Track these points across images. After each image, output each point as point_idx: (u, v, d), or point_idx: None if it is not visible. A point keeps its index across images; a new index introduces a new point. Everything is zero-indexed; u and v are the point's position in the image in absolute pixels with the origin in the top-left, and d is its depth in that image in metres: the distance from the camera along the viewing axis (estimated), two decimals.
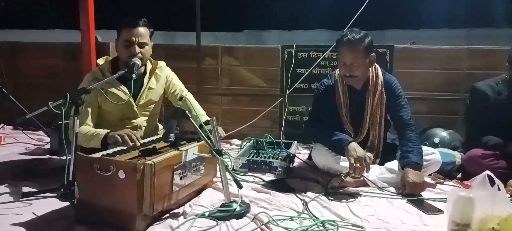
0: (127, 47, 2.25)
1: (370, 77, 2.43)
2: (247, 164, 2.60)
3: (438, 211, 1.99)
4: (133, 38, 2.24)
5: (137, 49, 2.24)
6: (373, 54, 2.37)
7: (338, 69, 2.48)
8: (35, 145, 3.27)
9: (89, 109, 2.27)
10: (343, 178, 2.23)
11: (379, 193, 2.23)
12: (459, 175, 2.53)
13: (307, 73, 3.45)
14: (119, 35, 2.29)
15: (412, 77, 3.33)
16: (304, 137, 3.46)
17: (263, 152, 2.87)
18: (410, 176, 2.18)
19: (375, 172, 2.34)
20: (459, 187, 2.05)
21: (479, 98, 2.52)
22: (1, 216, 1.84)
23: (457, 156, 2.62)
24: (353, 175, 2.20)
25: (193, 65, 3.67)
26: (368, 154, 2.28)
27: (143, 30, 2.28)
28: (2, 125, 3.64)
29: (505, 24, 4.41)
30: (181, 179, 1.89)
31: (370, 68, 2.42)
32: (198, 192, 2.13)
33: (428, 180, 2.46)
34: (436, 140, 3.03)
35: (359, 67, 2.31)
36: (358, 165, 2.17)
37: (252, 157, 2.70)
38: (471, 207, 1.66)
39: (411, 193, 2.17)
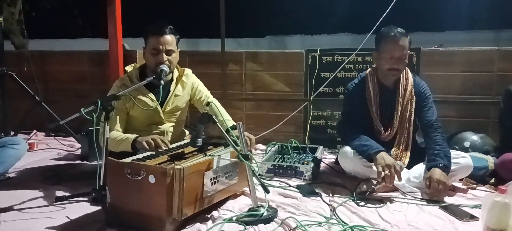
0: (154, 55, 2.29)
1: (401, 76, 2.45)
2: (272, 168, 2.60)
3: (472, 217, 1.93)
4: (160, 46, 2.28)
5: (165, 57, 2.28)
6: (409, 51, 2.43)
7: (369, 69, 2.55)
8: (66, 150, 3.37)
9: (118, 115, 2.32)
10: (373, 187, 2.19)
11: (408, 198, 2.18)
12: (492, 180, 2.45)
13: (332, 77, 3.42)
14: (147, 43, 2.34)
15: (440, 80, 3.25)
16: (328, 141, 3.45)
17: (288, 156, 2.86)
18: (436, 174, 2.13)
19: (404, 177, 2.29)
20: (494, 192, 1.99)
21: None
22: (36, 220, 1.91)
23: (490, 161, 2.54)
24: (383, 183, 2.17)
25: (217, 71, 3.70)
26: (399, 162, 2.26)
27: (170, 37, 2.31)
28: (34, 131, 3.77)
29: None
30: (212, 184, 1.90)
31: None
32: (233, 199, 2.13)
33: (459, 185, 2.40)
34: (467, 144, 2.94)
35: (404, 61, 2.37)
36: (387, 172, 2.14)
37: (278, 161, 2.70)
38: (507, 213, 1.61)
39: (434, 193, 2.12)
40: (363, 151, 2.32)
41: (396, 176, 2.16)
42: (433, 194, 2.14)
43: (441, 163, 2.19)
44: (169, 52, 2.30)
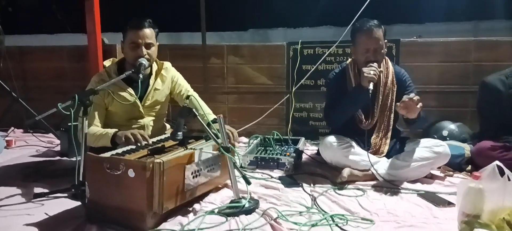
0: (133, 49, 2.26)
1: (382, 66, 2.48)
2: (255, 161, 2.61)
3: (449, 204, 1.98)
4: (139, 40, 2.26)
5: (144, 50, 2.26)
6: (386, 40, 2.44)
7: (349, 60, 2.59)
8: (45, 147, 3.31)
9: (97, 110, 2.29)
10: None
11: (388, 187, 2.22)
12: (469, 168, 2.51)
13: (313, 69, 3.45)
14: (125, 37, 2.31)
15: (419, 71, 3.30)
16: (310, 133, 3.48)
17: (271, 149, 2.87)
18: (409, 95, 2.18)
19: (383, 166, 2.33)
20: (469, 179, 2.04)
21: (491, 94, 2.50)
22: (14, 217, 1.87)
23: (466, 149, 2.60)
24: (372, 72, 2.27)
25: (199, 64, 3.68)
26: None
27: (148, 31, 2.29)
28: (12, 128, 3.69)
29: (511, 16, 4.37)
30: (193, 177, 1.89)
31: None
32: (215, 191, 2.13)
33: (437, 173, 2.45)
34: (445, 133, 3.01)
35: (381, 51, 2.38)
36: (372, 71, 2.25)
37: (260, 154, 2.71)
38: (481, 198, 1.65)
39: (404, 106, 2.16)
40: (351, 97, 2.39)
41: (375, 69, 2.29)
42: (405, 107, 2.16)
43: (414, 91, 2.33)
44: (148, 46, 2.28)
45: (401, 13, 4.50)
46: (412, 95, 2.17)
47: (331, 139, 2.45)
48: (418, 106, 2.15)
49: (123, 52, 2.35)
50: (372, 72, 2.27)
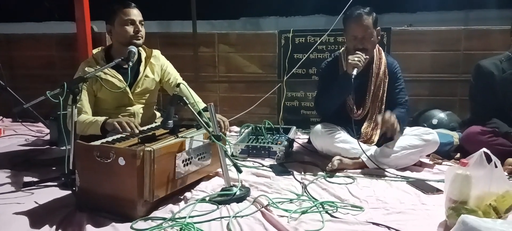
0: (131, 25, 2.28)
1: (374, 56, 2.48)
2: (246, 149, 2.61)
3: (437, 191, 2.01)
4: (134, 17, 2.29)
5: (140, 27, 2.30)
6: (379, 28, 2.43)
7: (342, 49, 2.58)
8: (34, 136, 3.28)
9: (86, 97, 2.28)
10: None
11: (377, 175, 2.24)
12: (458, 155, 2.54)
13: (304, 58, 3.44)
14: (116, 19, 2.30)
15: (410, 60, 3.32)
16: (302, 122, 3.49)
17: (262, 137, 2.88)
18: (387, 113, 2.24)
19: (371, 153, 2.35)
20: (457, 166, 2.06)
21: (485, 77, 2.50)
22: (4, 206, 1.86)
23: (455, 137, 2.63)
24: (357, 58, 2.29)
25: (189, 53, 3.66)
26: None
27: (137, 10, 2.35)
28: (1, 117, 3.64)
29: (502, 5, 4.39)
30: (184, 165, 1.89)
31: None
32: (206, 180, 2.14)
33: (426, 160, 2.48)
34: (434, 122, 3.04)
35: (370, 40, 2.37)
36: (356, 58, 2.27)
37: (251, 142, 2.72)
38: (468, 185, 1.67)
39: (386, 125, 2.21)
40: (338, 85, 2.40)
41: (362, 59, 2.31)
42: (386, 126, 2.22)
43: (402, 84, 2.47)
44: (140, 24, 2.32)
45: (392, 2, 4.50)
46: (392, 118, 2.21)
47: (322, 127, 2.46)
48: (395, 132, 2.25)
49: (115, 34, 2.33)
50: (356, 58, 2.28)
